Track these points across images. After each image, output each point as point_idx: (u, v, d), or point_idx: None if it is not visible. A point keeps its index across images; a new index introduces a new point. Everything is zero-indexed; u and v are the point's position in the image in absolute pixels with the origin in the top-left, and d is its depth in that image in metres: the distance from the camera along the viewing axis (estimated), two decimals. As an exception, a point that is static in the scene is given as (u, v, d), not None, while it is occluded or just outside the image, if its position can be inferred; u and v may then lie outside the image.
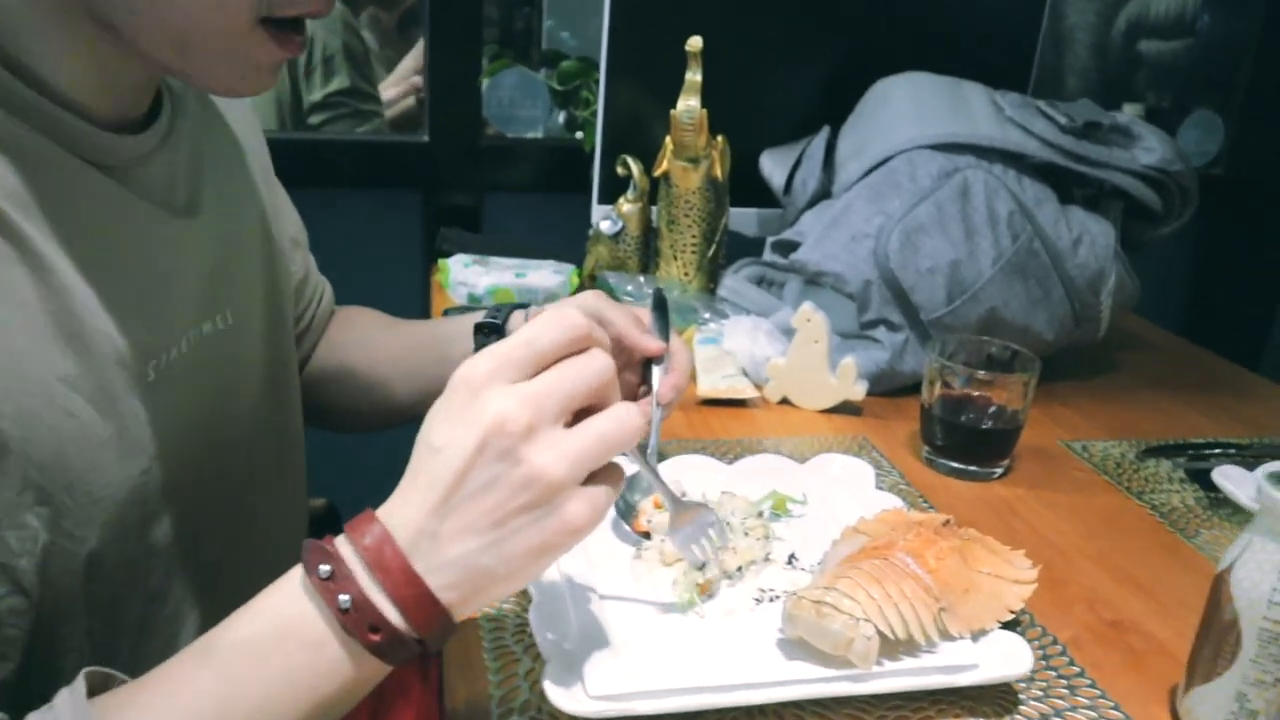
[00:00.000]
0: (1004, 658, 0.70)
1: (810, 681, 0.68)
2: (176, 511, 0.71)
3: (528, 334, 0.54)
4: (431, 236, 1.65)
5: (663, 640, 0.72)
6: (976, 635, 0.73)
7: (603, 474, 0.55)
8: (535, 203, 1.83)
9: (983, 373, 1.02)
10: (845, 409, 1.17)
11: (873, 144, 1.29)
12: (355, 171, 1.82)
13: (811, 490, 0.92)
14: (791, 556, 0.83)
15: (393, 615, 0.53)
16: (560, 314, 0.55)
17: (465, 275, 1.46)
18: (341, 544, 0.55)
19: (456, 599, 0.54)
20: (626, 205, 1.42)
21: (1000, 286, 1.20)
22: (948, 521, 0.82)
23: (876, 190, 1.24)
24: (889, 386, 1.21)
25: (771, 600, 0.77)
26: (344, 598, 0.53)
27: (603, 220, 1.42)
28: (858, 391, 1.15)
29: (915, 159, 1.25)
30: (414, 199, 1.80)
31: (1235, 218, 2.22)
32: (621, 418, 0.55)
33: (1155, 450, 1.14)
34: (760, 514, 0.85)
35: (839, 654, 0.68)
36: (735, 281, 1.35)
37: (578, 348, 0.55)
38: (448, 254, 1.55)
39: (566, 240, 1.57)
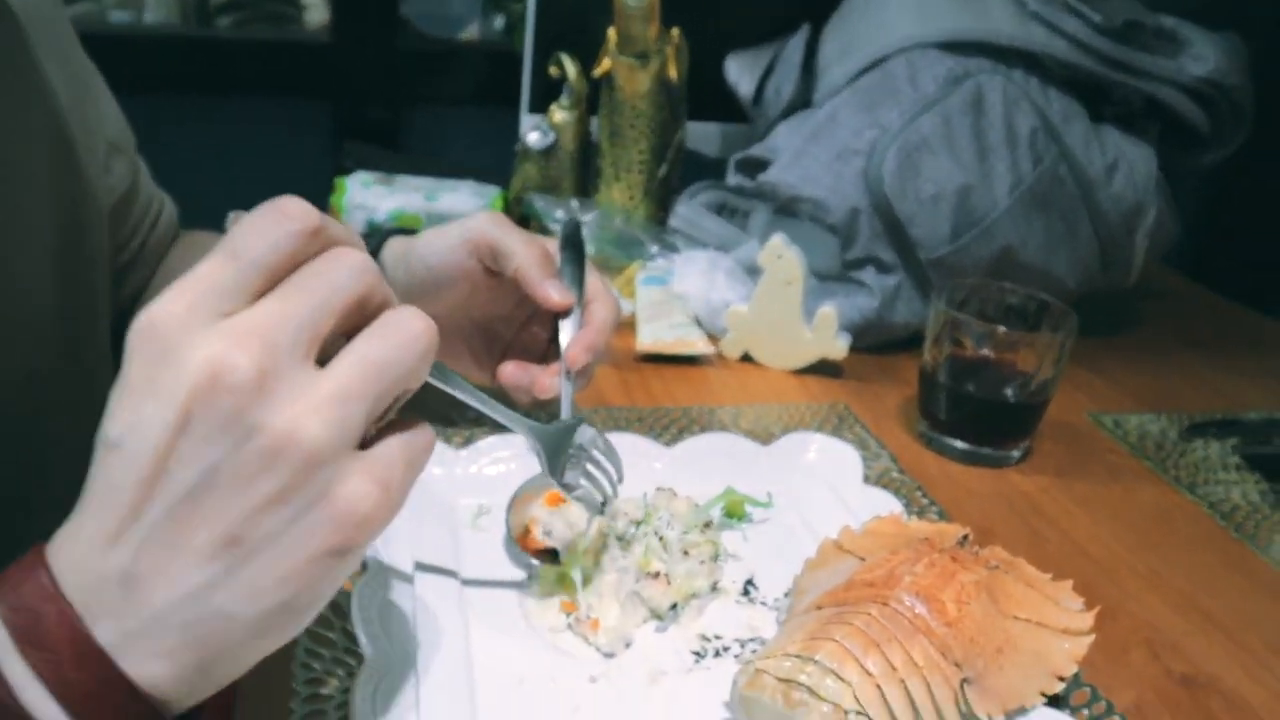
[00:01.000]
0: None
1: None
2: None
3: (230, 243, 0.36)
4: (340, 154, 1.39)
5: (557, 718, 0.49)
6: (1012, 716, 0.50)
7: (394, 427, 0.38)
8: (466, 118, 1.56)
9: (1003, 329, 0.79)
10: (822, 369, 0.93)
11: (864, 42, 1.04)
12: (255, 77, 1.54)
13: (779, 485, 0.69)
14: (749, 584, 0.60)
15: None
16: (275, 206, 0.36)
17: (365, 197, 1.20)
18: None
19: (173, 682, 0.35)
20: (560, 114, 1.16)
21: (1017, 220, 0.97)
22: (965, 538, 0.60)
23: (869, 97, 0.99)
24: (876, 341, 0.98)
25: (718, 655, 0.54)
26: None
27: (531, 132, 1.16)
28: (838, 348, 0.91)
29: (917, 61, 1.00)
30: (324, 110, 1.53)
31: None
32: (399, 327, 0.37)
33: (1201, 428, 0.92)
34: (707, 524, 0.62)
35: (816, 759, 0.45)
36: (690, 209, 1.10)
37: (310, 251, 0.37)
38: (349, 171, 1.29)
39: (500, 163, 1.31)
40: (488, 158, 1.33)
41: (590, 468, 0.58)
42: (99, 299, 0.69)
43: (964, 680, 0.49)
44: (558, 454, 0.56)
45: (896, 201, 0.94)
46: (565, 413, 0.63)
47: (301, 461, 0.33)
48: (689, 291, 0.97)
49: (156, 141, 0.87)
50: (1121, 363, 1.04)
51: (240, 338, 0.33)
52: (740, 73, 1.17)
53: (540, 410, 0.69)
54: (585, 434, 0.58)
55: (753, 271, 0.98)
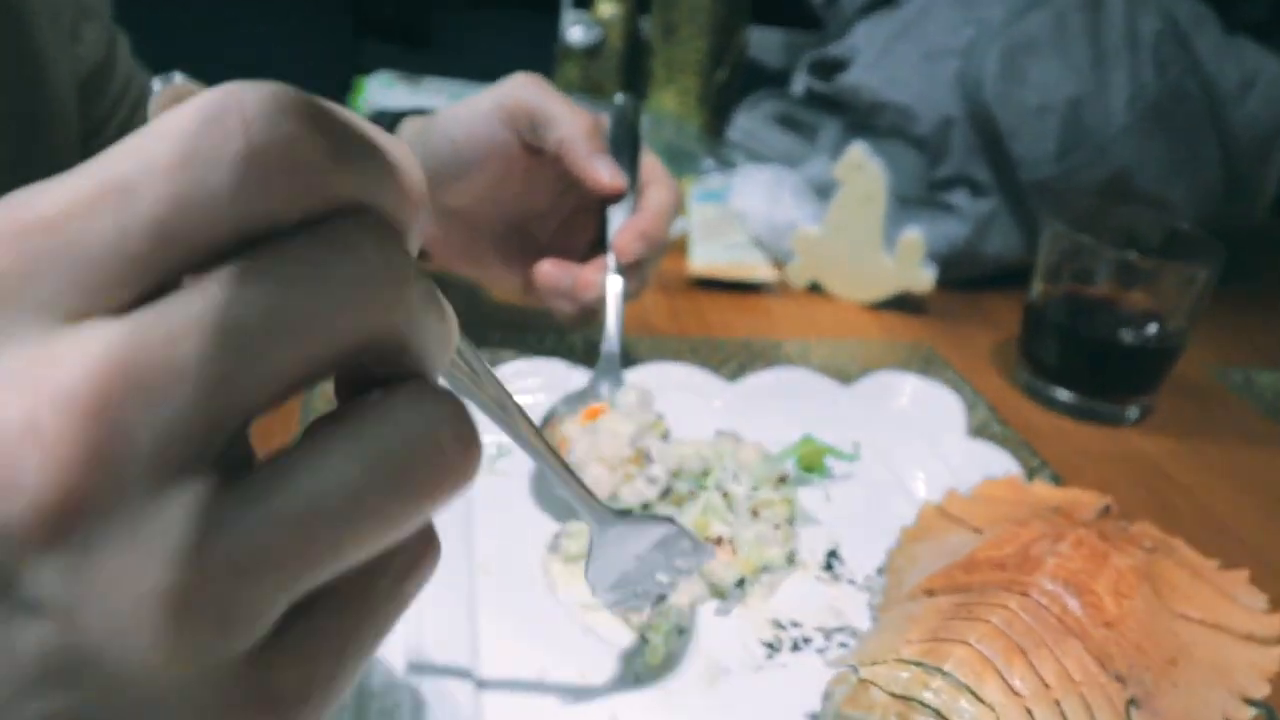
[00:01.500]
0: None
1: None
2: None
3: (142, 152, 0.17)
4: (360, 54, 1.26)
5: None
6: (1189, 749, 0.38)
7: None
8: (501, 16, 1.42)
9: (1137, 255, 0.65)
10: (902, 305, 0.80)
11: (964, -76, 0.89)
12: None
13: (865, 434, 0.56)
14: (832, 557, 0.48)
15: None
16: (264, 94, 0.17)
17: (386, 98, 1.08)
18: None
19: None
20: (607, 8, 1.02)
21: (1136, 138, 0.83)
22: (1108, 510, 0.47)
23: (968, -12, 0.85)
24: (964, 275, 0.84)
25: (796, 648, 0.42)
26: None
27: (573, 28, 1.02)
28: (924, 279, 0.78)
29: (1026, -52, 0.85)
30: (341, 2, 1.40)
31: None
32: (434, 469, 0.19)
33: (1343, 388, 0.78)
34: (782, 478, 0.49)
35: (943, 810, 0.33)
36: (751, 120, 0.97)
37: (301, 210, 0.17)
38: (369, 71, 1.16)
39: (538, 65, 1.18)
40: (525, 59, 1.19)
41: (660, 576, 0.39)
42: None
43: (1130, 701, 0.37)
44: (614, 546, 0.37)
45: (998, 110, 0.80)
46: (611, 324, 0.51)
47: (103, 691, 0.17)
48: (749, 209, 0.84)
49: (144, 24, 0.76)
50: (1248, 312, 0.90)
51: (57, 399, 0.15)
52: (812, -32, 1.02)
53: (586, 327, 0.57)
54: (668, 531, 0.39)
55: (823, 191, 0.85)
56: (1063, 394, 0.69)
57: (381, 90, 1.10)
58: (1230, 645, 0.41)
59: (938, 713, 0.33)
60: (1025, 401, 0.70)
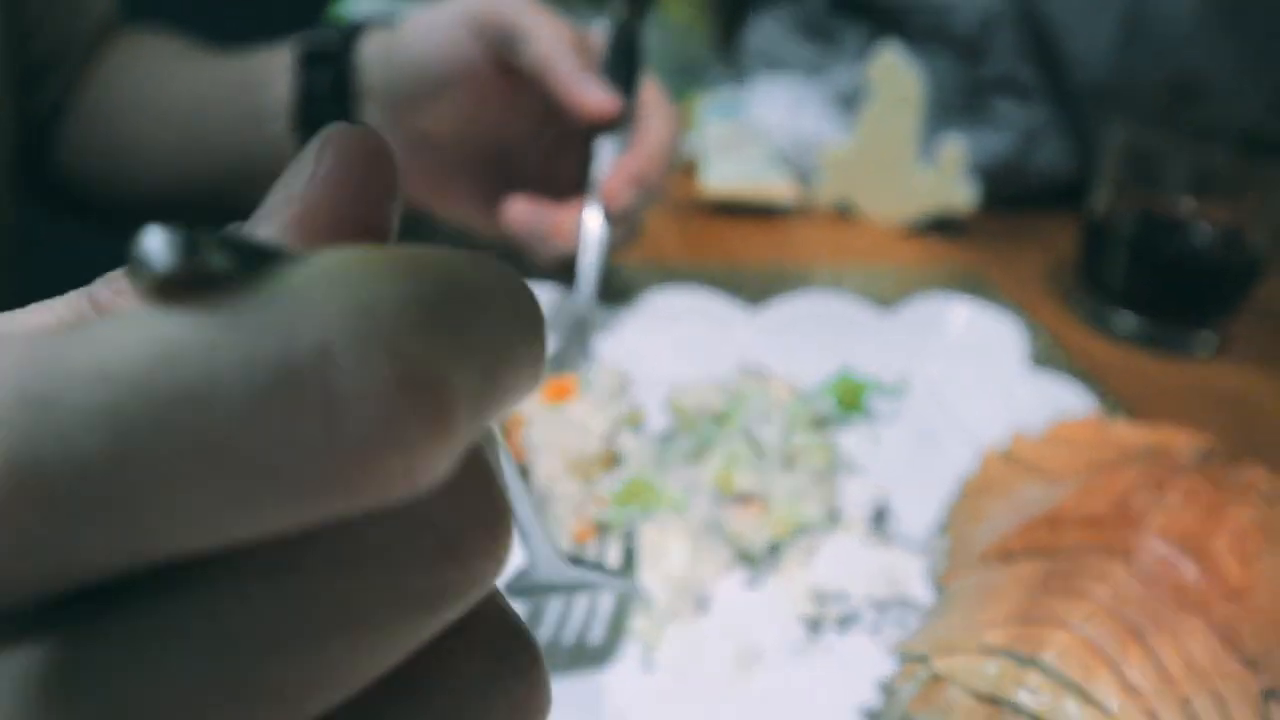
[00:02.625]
0: None
1: None
2: None
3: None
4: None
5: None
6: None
7: None
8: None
9: (1224, 158, 0.57)
10: (942, 227, 0.72)
11: None
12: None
13: (914, 367, 0.48)
14: (881, 513, 0.40)
15: None
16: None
17: (375, 8, 0.99)
18: None
19: None
20: (608, -93, 0.92)
21: (1205, 35, 0.73)
22: (1211, 453, 0.39)
23: None
24: (1011, 192, 0.76)
25: (843, 625, 0.35)
26: None
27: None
28: (965, 195, 0.69)
29: None
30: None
31: None
32: None
33: None
34: (818, 420, 0.41)
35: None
36: (767, 27, 0.88)
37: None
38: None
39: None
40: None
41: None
42: None
43: (1268, 693, 0.29)
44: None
45: (1046, 4, 0.71)
46: (587, 278, 0.43)
47: None
48: (769, 123, 0.75)
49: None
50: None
51: None
52: None
53: (569, 278, 0.49)
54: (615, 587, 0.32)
55: (850, 102, 0.76)
56: (1129, 320, 0.61)
57: (367, 1, 1.01)
58: (1377, 615, 0.34)
59: (1037, 718, 0.25)
60: (1085, 332, 0.62)
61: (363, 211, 0.14)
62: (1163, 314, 0.60)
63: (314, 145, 0.14)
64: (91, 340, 0.10)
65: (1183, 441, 0.40)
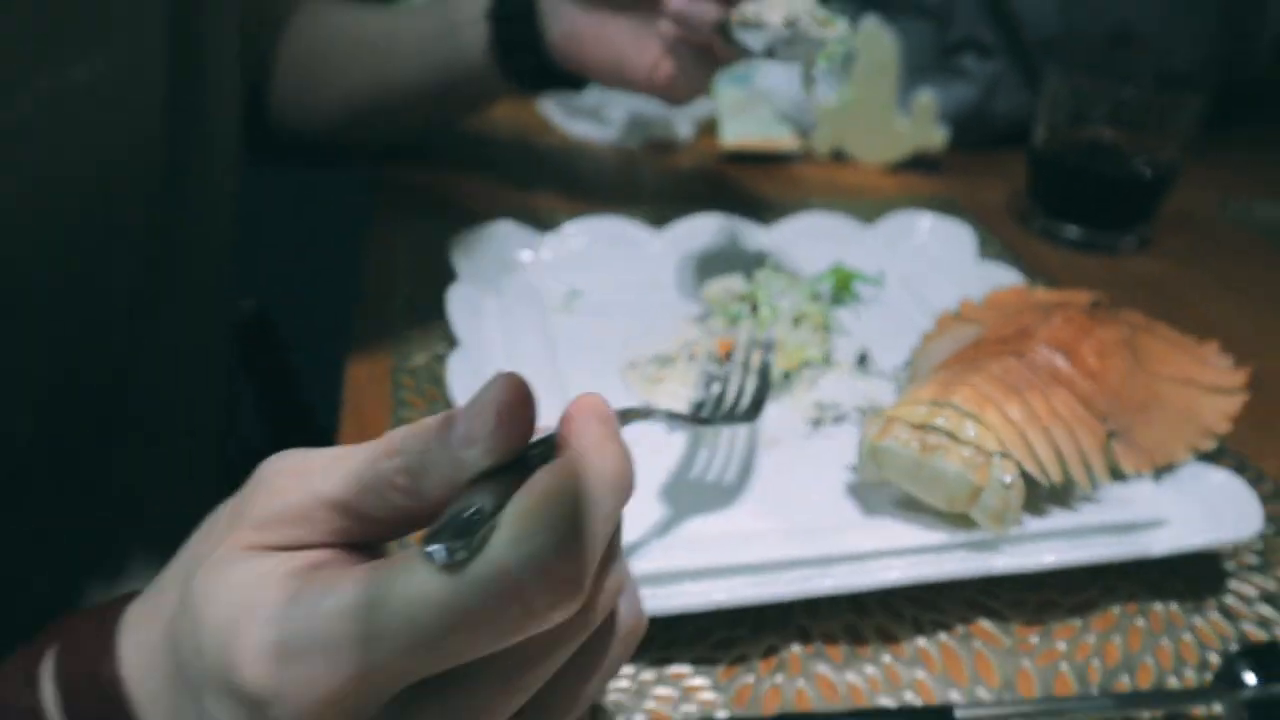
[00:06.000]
0: (1206, 510, 0.44)
1: (907, 553, 0.42)
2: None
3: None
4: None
5: (657, 483, 0.46)
6: (1161, 473, 0.46)
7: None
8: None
9: (1133, 90, 0.72)
10: (920, 165, 0.87)
11: None
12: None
13: (888, 263, 0.64)
14: (863, 357, 0.56)
15: None
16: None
17: None
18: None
19: None
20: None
21: (1138, -5, 0.88)
22: (1097, 303, 0.55)
23: None
24: (978, 137, 0.91)
25: (836, 421, 0.51)
26: None
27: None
28: (938, 137, 0.85)
29: None
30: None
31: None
32: None
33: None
34: (816, 295, 0.57)
35: (955, 510, 0.42)
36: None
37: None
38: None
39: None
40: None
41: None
42: (219, 118, 0.57)
43: (1110, 433, 0.45)
44: None
45: (1001, -26, 0.86)
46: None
47: None
48: (774, 88, 0.91)
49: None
50: (1252, 155, 0.96)
51: None
52: None
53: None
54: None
55: (845, 64, 0.91)
56: (1069, 230, 0.76)
57: None
58: (1199, 394, 0.49)
59: (949, 434, 0.41)
60: (1037, 242, 0.77)
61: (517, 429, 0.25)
62: (1094, 223, 0.76)
63: (491, 382, 0.25)
64: (393, 593, 0.23)
65: (1080, 297, 0.56)
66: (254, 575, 0.24)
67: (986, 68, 0.90)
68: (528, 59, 0.65)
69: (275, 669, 0.23)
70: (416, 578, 0.23)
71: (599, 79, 0.65)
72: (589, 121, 0.89)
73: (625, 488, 0.26)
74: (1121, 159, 0.74)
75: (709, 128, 0.90)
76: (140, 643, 0.28)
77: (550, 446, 0.26)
